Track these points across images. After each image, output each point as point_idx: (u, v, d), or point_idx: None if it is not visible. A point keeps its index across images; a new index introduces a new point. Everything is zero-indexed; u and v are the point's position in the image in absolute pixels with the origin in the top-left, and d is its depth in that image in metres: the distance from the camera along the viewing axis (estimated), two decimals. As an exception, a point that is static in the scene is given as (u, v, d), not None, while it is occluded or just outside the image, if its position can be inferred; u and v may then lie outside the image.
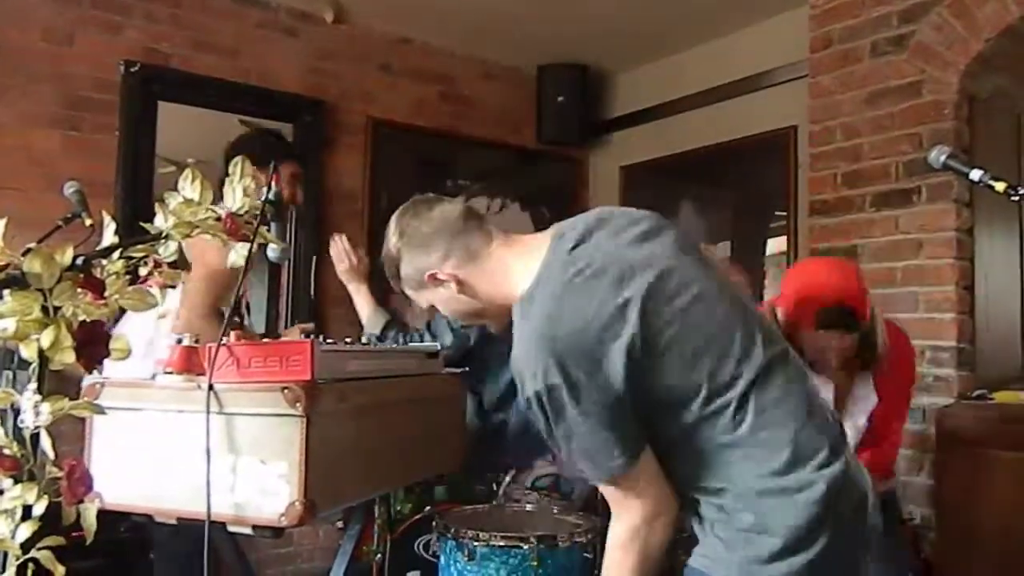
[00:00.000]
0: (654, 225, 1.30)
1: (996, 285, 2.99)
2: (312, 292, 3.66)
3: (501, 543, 1.82)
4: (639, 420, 1.19)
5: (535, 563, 1.80)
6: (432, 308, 1.43)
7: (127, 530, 2.46)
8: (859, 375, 2.01)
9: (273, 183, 1.43)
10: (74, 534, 1.05)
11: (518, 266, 1.30)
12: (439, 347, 1.83)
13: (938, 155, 1.44)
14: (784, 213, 3.66)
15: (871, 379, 2.01)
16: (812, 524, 1.15)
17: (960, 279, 2.86)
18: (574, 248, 1.25)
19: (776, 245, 3.78)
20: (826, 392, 2.00)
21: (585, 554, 1.88)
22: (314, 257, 3.66)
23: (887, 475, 2.14)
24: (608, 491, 1.22)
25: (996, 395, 2.78)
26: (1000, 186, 1.36)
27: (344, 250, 2.36)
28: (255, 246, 1.32)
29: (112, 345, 1.10)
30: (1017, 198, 1.34)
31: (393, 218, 1.41)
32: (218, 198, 1.26)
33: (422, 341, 2.18)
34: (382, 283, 1.55)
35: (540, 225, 4.44)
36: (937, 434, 2.71)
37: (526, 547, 1.81)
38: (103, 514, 1.27)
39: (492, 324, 1.44)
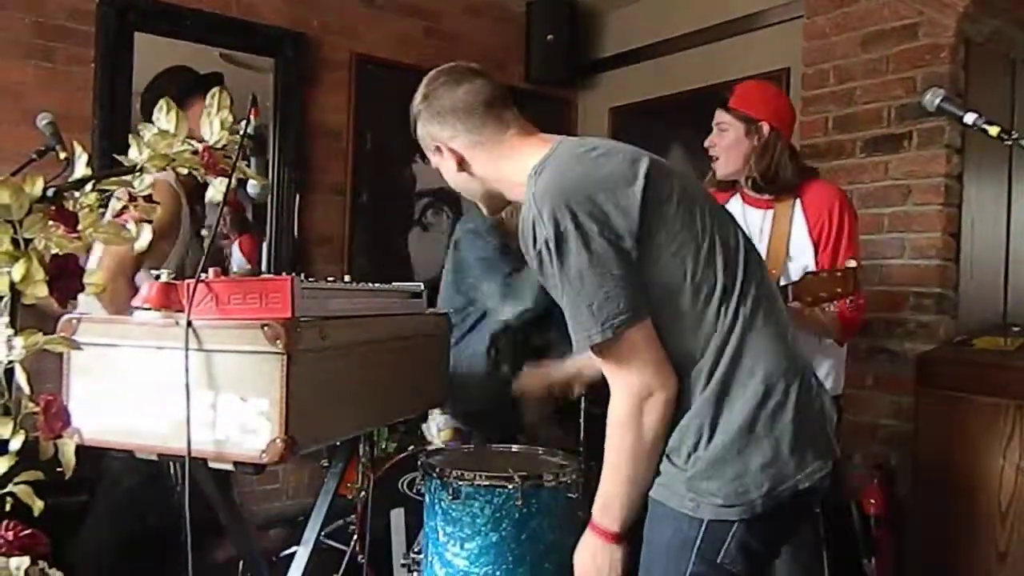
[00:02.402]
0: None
1: (982, 233, 3.00)
2: (296, 232, 3.62)
3: (486, 482, 1.82)
4: (642, 286, 1.21)
5: (519, 502, 1.80)
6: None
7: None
8: (790, 210, 2.11)
9: (252, 116, 1.38)
10: (59, 470, 1.04)
11: (525, 152, 1.34)
12: (422, 286, 1.80)
13: (932, 98, 1.43)
14: (774, 158, 3.61)
15: (804, 217, 2.09)
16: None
17: (946, 226, 2.86)
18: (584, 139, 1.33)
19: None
20: (765, 221, 2.12)
21: (570, 494, 1.89)
22: (297, 196, 3.60)
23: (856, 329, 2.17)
24: (606, 357, 1.23)
25: (976, 341, 2.81)
26: (993, 130, 1.35)
27: None
28: (234, 181, 1.29)
29: (86, 279, 1.08)
30: (1010, 142, 1.34)
31: (428, 76, 1.47)
32: None
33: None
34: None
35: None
36: (917, 379, 2.75)
37: (511, 487, 1.81)
38: (90, 451, 1.27)
39: (485, 207, 1.49)
